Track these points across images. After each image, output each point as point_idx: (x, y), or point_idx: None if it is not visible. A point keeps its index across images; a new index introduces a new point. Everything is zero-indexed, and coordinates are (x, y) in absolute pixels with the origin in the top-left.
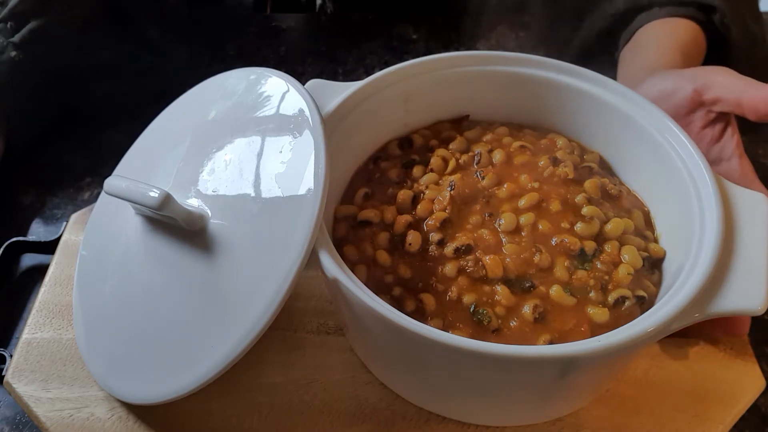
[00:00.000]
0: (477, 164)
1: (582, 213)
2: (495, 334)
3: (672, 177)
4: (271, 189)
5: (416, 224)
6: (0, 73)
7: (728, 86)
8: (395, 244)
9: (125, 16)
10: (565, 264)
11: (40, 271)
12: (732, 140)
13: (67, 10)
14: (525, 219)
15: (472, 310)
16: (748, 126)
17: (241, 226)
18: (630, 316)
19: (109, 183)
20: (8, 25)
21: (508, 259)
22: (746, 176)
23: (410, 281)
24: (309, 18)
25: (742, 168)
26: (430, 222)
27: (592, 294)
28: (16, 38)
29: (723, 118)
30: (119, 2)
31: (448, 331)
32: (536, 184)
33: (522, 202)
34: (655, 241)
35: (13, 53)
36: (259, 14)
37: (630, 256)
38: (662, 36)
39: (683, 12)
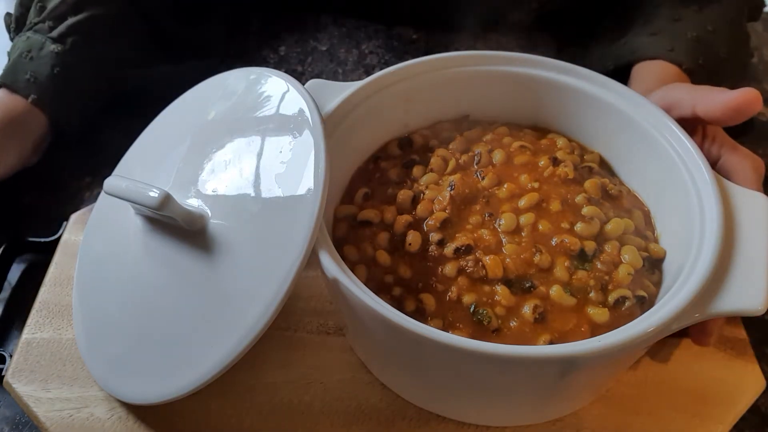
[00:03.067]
0: (477, 164)
1: (582, 213)
2: (495, 334)
3: (672, 177)
4: (271, 189)
5: (416, 224)
6: (42, 65)
7: (685, 99)
8: (395, 244)
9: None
10: (565, 264)
11: (40, 271)
12: (710, 152)
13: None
14: (525, 219)
15: (472, 310)
16: (749, 126)
17: (241, 226)
18: (630, 316)
19: (109, 183)
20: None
21: (508, 260)
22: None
23: (410, 281)
24: (309, 18)
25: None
26: (430, 222)
27: (592, 294)
28: (54, 34)
29: (695, 131)
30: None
31: (448, 331)
32: (536, 184)
33: (522, 202)
34: (655, 241)
35: (53, 47)
36: (259, 14)
37: (630, 256)
38: (646, 72)
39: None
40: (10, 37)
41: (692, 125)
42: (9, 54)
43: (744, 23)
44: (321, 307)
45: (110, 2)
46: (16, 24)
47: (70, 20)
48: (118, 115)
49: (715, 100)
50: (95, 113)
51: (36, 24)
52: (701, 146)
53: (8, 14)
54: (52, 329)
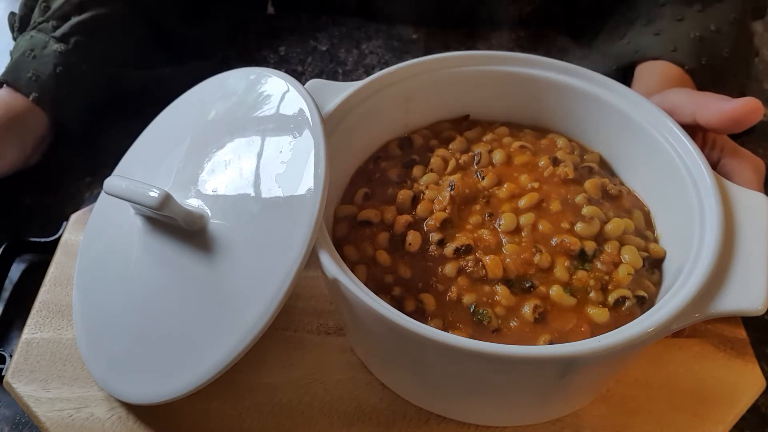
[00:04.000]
0: (477, 164)
1: (582, 213)
2: (495, 334)
3: (672, 177)
4: (271, 189)
5: (416, 224)
6: (45, 64)
7: (684, 106)
8: (395, 244)
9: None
10: (565, 264)
11: (40, 271)
12: (710, 155)
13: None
14: (525, 219)
15: (472, 310)
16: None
17: (241, 226)
18: (630, 316)
19: (109, 183)
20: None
21: (508, 260)
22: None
23: (410, 281)
24: (309, 18)
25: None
26: (430, 222)
27: (592, 294)
28: (57, 33)
29: (695, 135)
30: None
31: (448, 331)
32: (536, 184)
33: (522, 202)
34: (655, 241)
35: (56, 46)
36: (259, 14)
37: (630, 256)
38: (649, 72)
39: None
40: (12, 36)
41: (692, 130)
42: (11, 53)
43: (748, 21)
44: (321, 307)
45: (114, 2)
46: (20, 23)
47: (74, 20)
48: (118, 115)
49: (714, 110)
50: (96, 113)
51: (40, 23)
52: (702, 149)
53: (12, 14)
54: (52, 329)
